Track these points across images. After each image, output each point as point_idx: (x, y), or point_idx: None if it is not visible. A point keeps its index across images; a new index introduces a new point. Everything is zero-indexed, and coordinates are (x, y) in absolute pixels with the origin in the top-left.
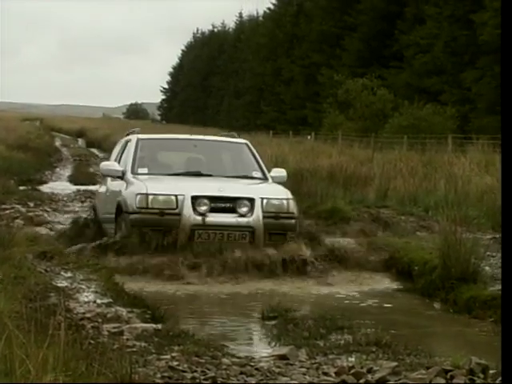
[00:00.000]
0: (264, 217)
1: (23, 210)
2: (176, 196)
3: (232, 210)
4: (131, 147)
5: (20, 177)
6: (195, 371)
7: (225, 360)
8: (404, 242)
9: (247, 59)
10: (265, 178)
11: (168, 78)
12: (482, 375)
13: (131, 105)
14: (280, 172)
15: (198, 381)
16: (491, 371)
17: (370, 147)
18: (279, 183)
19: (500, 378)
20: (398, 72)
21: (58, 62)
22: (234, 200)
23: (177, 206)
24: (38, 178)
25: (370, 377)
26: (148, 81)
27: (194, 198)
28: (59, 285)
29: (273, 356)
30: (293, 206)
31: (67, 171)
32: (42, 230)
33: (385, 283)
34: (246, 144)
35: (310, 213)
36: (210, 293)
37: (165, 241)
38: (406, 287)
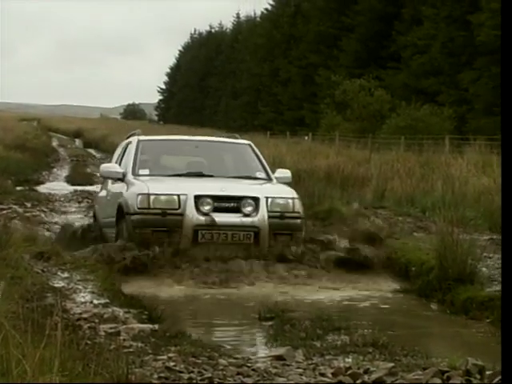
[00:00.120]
0: (269, 216)
1: (20, 210)
2: (178, 196)
3: (236, 210)
4: (132, 149)
5: (17, 177)
6: (192, 372)
7: (221, 361)
8: (401, 243)
9: (244, 60)
10: (269, 179)
11: (165, 78)
12: (478, 376)
13: (128, 105)
14: (284, 173)
15: (194, 381)
16: (488, 372)
17: (367, 148)
18: (283, 184)
19: (497, 379)
20: (396, 73)
21: (56, 63)
22: (239, 199)
23: (179, 206)
24: (36, 179)
25: (366, 377)
26: (145, 81)
27: (197, 198)
28: (56, 285)
29: (270, 357)
30: (298, 206)
31: (64, 172)
32: (40, 231)
33: (382, 284)
34: (250, 145)
35: (307, 213)
36: (208, 294)
37: (167, 242)
38: (403, 288)
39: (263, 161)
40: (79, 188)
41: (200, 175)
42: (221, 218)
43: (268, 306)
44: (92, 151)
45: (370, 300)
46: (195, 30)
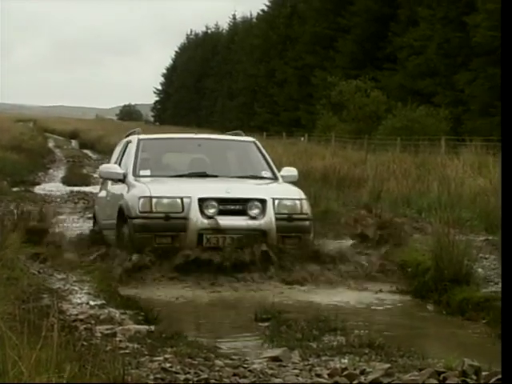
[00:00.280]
0: (276, 219)
1: (16, 211)
2: (182, 198)
3: (242, 213)
4: (132, 148)
5: (13, 178)
6: (188, 373)
7: (218, 362)
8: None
9: (241, 61)
10: (275, 178)
11: (161, 79)
12: (474, 377)
13: (125, 106)
14: (291, 171)
15: (191, 382)
16: (484, 373)
17: (363, 149)
18: (290, 183)
19: (494, 379)
20: (392, 74)
21: (51, 64)
22: (244, 201)
23: (183, 210)
24: (32, 180)
25: (362, 378)
26: (141, 82)
27: (202, 201)
28: (52, 286)
29: (266, 358)
30: (306, 207)
31: (60, 172)
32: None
33: (378, 285)
34: (254, 142)
35: None
36: (206, 295)
37: (170, 247)
38: (399, 289)
39: (268, 159)
40: (75, 189)
41: (203, 175)
42: (226, 221)
43: (264, 306)
44: (88, 152)
45: (366, 301)
46: (191, 31)
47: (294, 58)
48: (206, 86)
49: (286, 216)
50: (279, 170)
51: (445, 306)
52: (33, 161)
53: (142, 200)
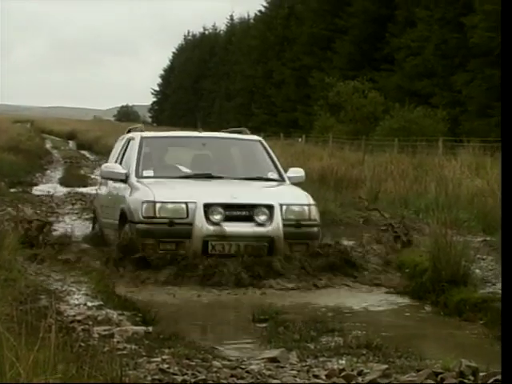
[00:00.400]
0: (284, 225)
1: (14, 212)
2: (187, 204)
3: (249, 219)
4: (134, 147)
5: (11, 179)
6: (186, 374)
7: (215, 363)
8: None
9: (238, 61)
10: (281, 180)
11: (159, 80)
12: (472, 378)
13: (122, 107)
14: (297, 172)
15: (188, 383)
16: (481, 373)
17: (360, 150)
18: (297, 184)
19: (491, 380)
20: (389, 75)
21: (49, 64)
22: (251, 207)
23: (188, 215)
24: (29, 180)
25: (360, 379)
26: (139, 83)
27: (207, 206)
28: (50, 287)
29: (263, 359)
30: (315, 213)
31: (58, 173)
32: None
33: (375, 285)
34: (260, 141)
35: None
36: (204, 297)
37: (174, 253)
38: (397, 289)
39: (275, 159)
40: (73, 190)
41: (208, 177)
42: (232, 227)
43: (262, 307)
44: (85, 153)
45: (363, 301)
46: (189, 32)
47: (292, 58)
48: (204, 86)
49: (293, 222)
50: (286, 171)
51: (442, 307)
52: (30, 162)
53: (145, 205)
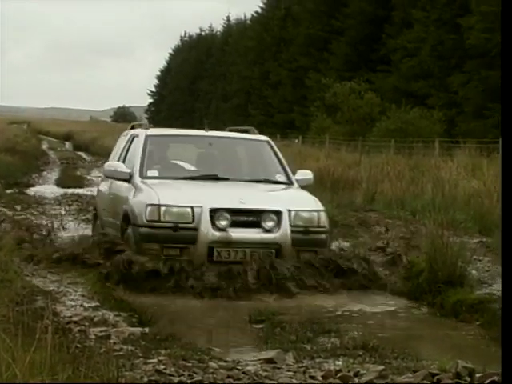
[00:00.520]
0: (292, 231)
1: (10, 213)
2: (192, 208)
3: (256, 224)
4: (139, 145)
5: (7, 180)
6: (182, 375)
7: (212, 364)
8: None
9: (235, 62)
10: (289, 182)
11: (155, 81)
12: (468, 379)
13: (119, 108)
14: (306, 174)
15: None
16: (478, 375)
17: (357, 151)
18: (305, 187)
19: (488, 381)
20: (386, 76)
21: (45, 65)
22: (259, 213)
23: (193, 220)
24: (25, 182)
25: (356, 380)
26: (135, 84)
27: (213, 211)
28: (46, 288)
29: (260, 360)
30: (324, 219)
31: (54, 174)
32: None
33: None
34: (268, 142)
35: None
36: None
37: (179, 260)
38: (393, 291)
39: (283, 160)
40: (69, 191)
41: (215, 178)
42: (239, 233)
43: (259, 309)
44: (82, 154)
45: (359, 303)
46: (185, 33)
47: (288, 59)
48: (200, 87)
49: (302, 229)
50: (294, 173)
51: (439, 308)
52: (26, 163)
53: (149, 208)
